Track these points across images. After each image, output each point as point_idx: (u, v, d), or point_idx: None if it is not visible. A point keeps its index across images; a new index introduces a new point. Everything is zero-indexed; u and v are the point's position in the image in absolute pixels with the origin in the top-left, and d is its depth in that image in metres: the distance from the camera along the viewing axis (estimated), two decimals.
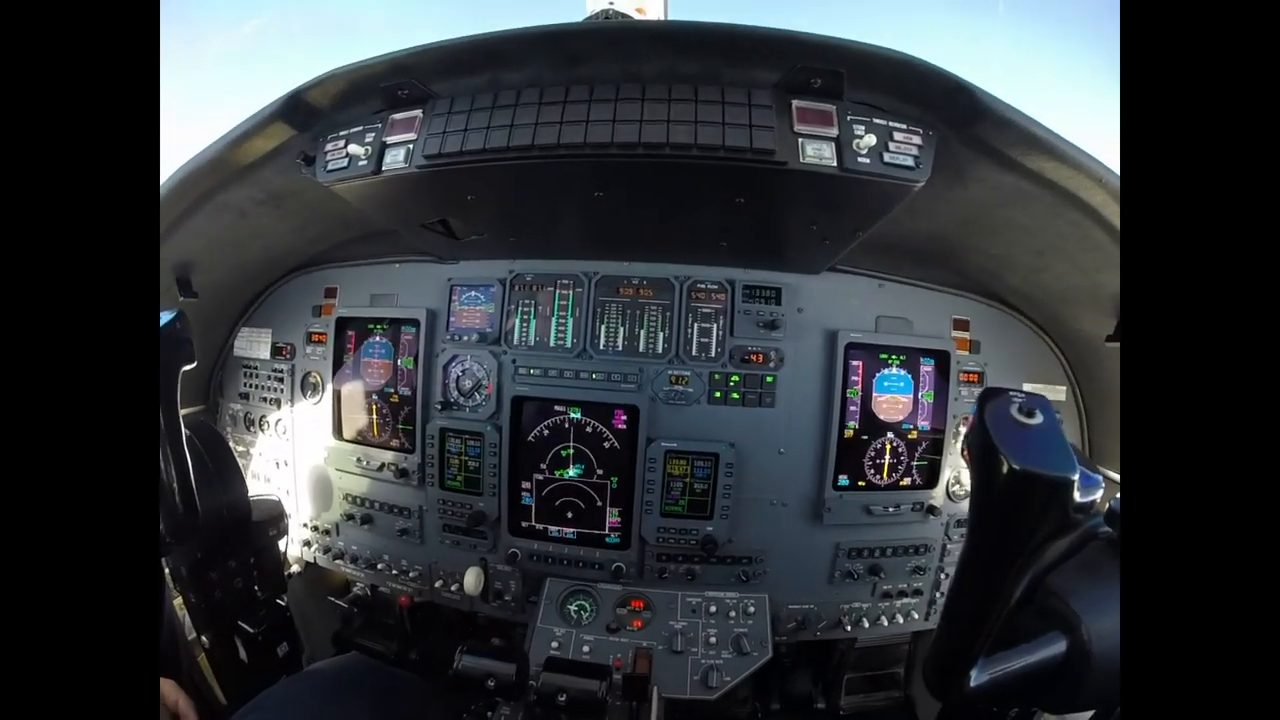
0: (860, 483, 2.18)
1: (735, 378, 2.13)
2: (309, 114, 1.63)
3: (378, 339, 2.41)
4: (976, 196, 1.70)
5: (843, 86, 1.39)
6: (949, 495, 2.26)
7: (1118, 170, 1.43)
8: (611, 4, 2.13)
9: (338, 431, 2.49)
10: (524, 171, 1.49)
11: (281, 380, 2.62)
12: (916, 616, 2.34)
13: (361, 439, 2.46)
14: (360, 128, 1.63)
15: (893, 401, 2.19)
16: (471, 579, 2.23)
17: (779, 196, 1.57)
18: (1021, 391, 0.91)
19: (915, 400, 2.21)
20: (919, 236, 2.03)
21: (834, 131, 1.40)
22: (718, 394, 2.14)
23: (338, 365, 2.47)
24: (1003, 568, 0.93)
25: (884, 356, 2.18)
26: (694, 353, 2.14)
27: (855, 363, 2.14)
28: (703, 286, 2.15)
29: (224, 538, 2.01)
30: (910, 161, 1.42)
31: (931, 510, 2.22)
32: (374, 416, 2.43)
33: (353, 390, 2.46)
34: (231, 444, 2.09)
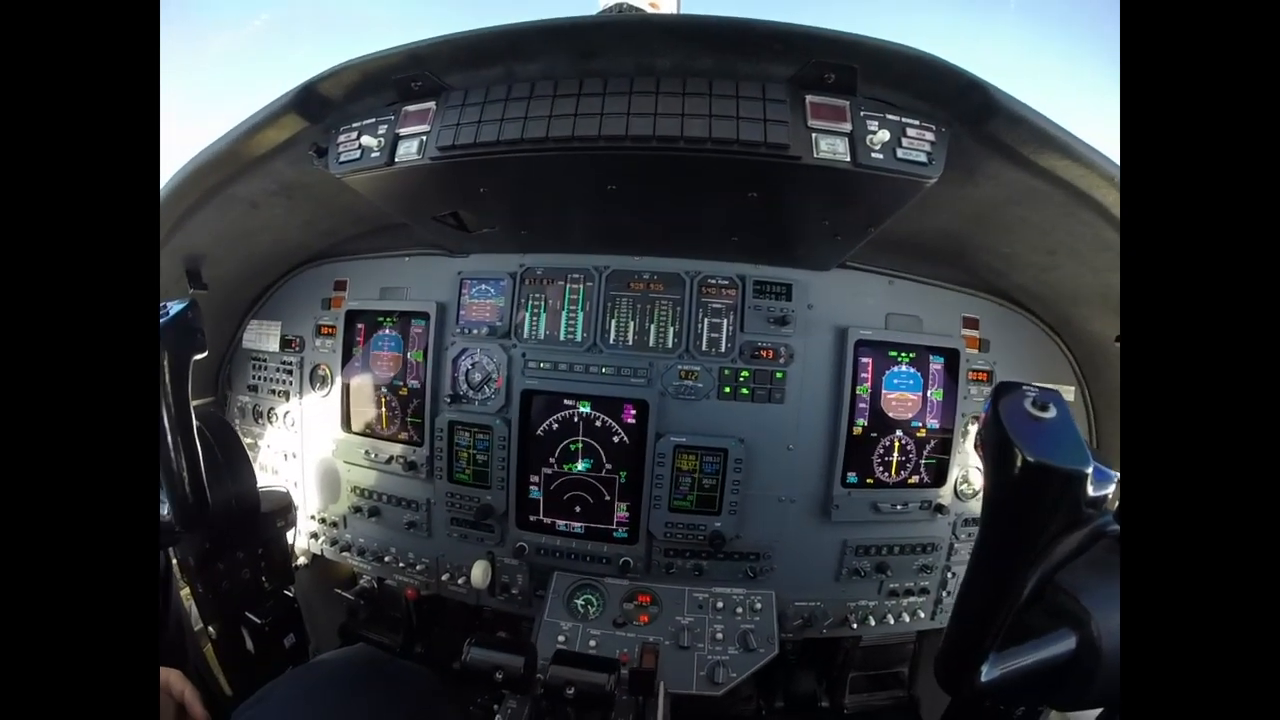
0: (869, 480, 2.18)
1: (745, 373, 2.13)
2: (322, 105, 1.63)
3: (387, 332, 2.42)
4: (988, 194, 1.70)
5: (856, 82, 1.38)
6: (957, 494, 2.26)
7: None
8: None
9: (346, 424, 2.49)
10: (537, 164, 1.48)
11: (290, 373, 2.63)
12: (923, 615, 2.33)
13: (370, 432, 2.46)
14: (373, 119, 1.62)
15: (902, 399, 2.18)
16: (479, 572, 2.24)
17: (792, 191, 1.57)
18: (1035, 385, 0.91)
19: (924, 398, 2.20)
20: (930, 234, 2.03)
21: (847, 127, 1.40)
22: (727, 389, 2.13)
23: (347, 358, 2.47)
24: (1015, 562, 0.93)
25: (893, 354, 2.17)
26: (704, 348, 2.14)
27: (865, 360, 2.14)
28: (713, 282, 2.15)
29: (232, 528, 2.01)
30: (923, 158, 1.42)
31: (939, 509, 2.22)
32: (383, 409, 2.43)
33: (362, 383, 2.47)
34: (243, 440, 2.09)
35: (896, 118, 1.42)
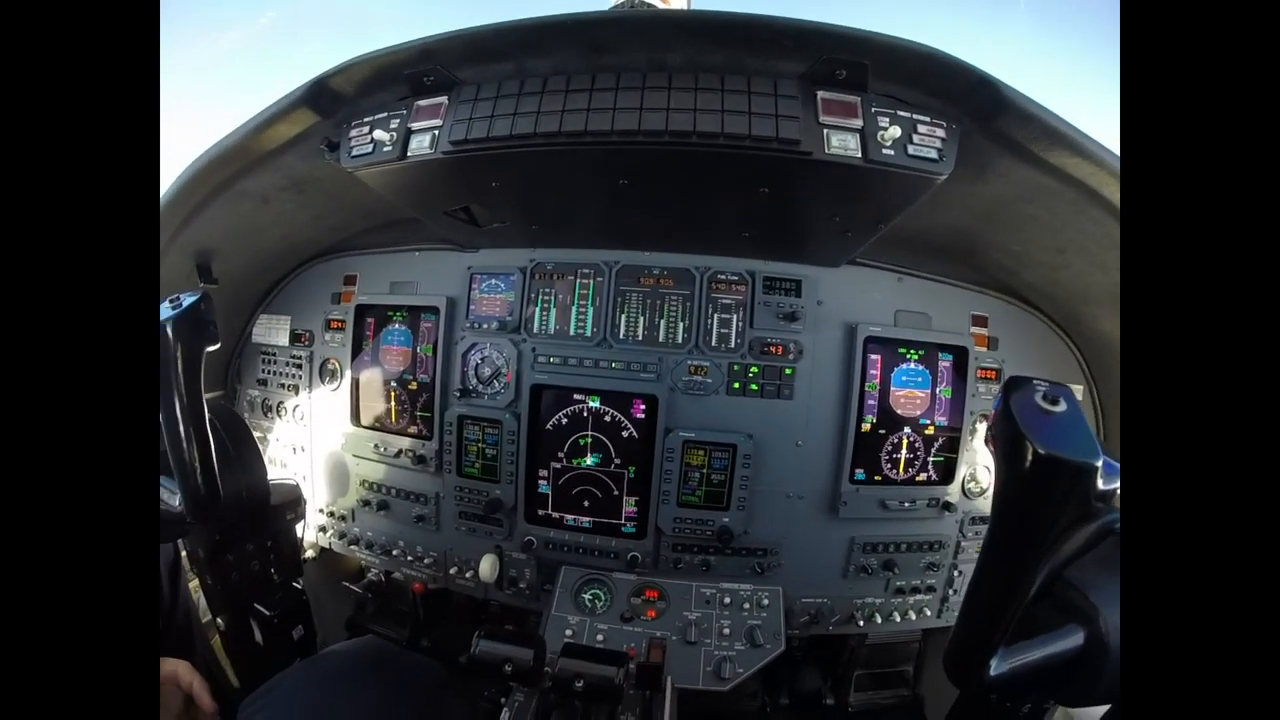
0: (877, 477, 2.18)
1: (754, 369, 2.13)
2: (333, 100, 1.64)
3: (397, 326, 2.43)
4: (998, 192, 1.70)
5: (868, 79, 1.39)
6: (965, 493, 2.25)
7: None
8: None
9: (355, 418, 2.51)
10: (549, 158, 1.49)
11: (300, 367, 2.65)
12: (929, 614, 2.33)
13: (379, 425, 2.47)
14: (385, 114, 1.63)
15: (910, 396, 2.18)
16: (487, 566, 2.24)
17: (803, 187, 1.57)
18: (1045, 380, 0.91)
19: (933, 396, 2.20)
20: (939, 231, 2.02)
21: (858, 123, 1.40)
22: (736, 385, 2.14)
23: (356, 352, 2.48)
24: (1025, 556, 0.94)
25: (902, 351, 2.17)
26: (713, 343, 2.14)
27: (874, 356, 2.14)
28: (723, 277, 2.15)
29: (242, 520, 2.02)
30: (934, 154, 1.42)
31: (947, 506, 2.21)
32: (392, 403, 2.44)
33: (371, 377, 2.48)
34: (253, 433, 2.11)
35: (908, 114, 1.42)
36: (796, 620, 2.24)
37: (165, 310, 1.40)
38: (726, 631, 2.02)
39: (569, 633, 2.02)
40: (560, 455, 2.22)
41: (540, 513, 2.26)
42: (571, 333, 2.20)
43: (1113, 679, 0.90)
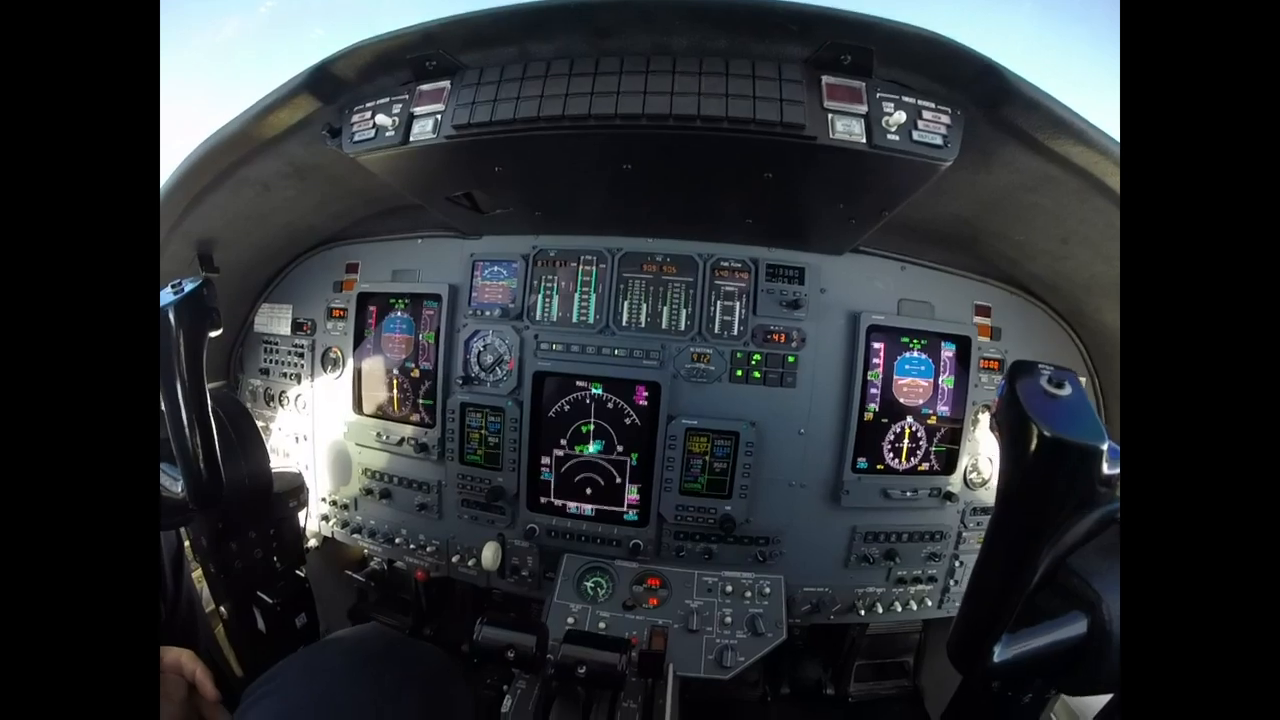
0: (879, 466, 2.18)
1: (757, 356, 2.13)
2: (335, 86, 1.63)
3: (399, 314, 2.43)
4: (1002, 180, 1.69)
5: (873, 64, 1.38)
6: (966, 483, 2.25)
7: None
8: None
9: (358, 406, 2.51)
10: (552, 143, 1.48)
11: (302, 356, 2.65)
12: (930, 604, 2.33)
13: (381, 414, 2.47)
14: (387, 99, 1.62)
15: (913, 385, 2.18)
16: (489, 554, 2.25)
17: (807, 173, 1.56)
18: (1050, 365, 0.91)
19: (935, 385, 2.20)
20: (943, 220, 2.02)
21: (863, 109, 1.39)
22: (739, 372, 2.13)
23: (358, 340, 2.48)
24: (1030, 542, 0.93)
25: (905, 340, 2.17)
26: (716, 330, 2.14)
27: (877, 345, 2.13)
28: (726, 264, 2.14)
29: (245, 508, 2.03)
30: (939, 140, 1.41)
31: (949, 496, 2.21)
32: (394, 391, 2.44)
33: (373, 365, 2.48)
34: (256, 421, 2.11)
35: (913, 100, 1.41)
36: (798, 609, 2.24)
37: (166, 295, 1.39)
38: (728, 620, 2.02)
39: (571, 620, 2.02)
40: (563, 442, 2.21)
41: (543, 500, 2.26)
42: (574, 319, 2.19)
43: (1116, 667, 0.89)
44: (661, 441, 2.13)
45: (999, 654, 0.96)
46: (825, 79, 1.39)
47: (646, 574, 2.17)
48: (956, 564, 2.31)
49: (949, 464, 2.23)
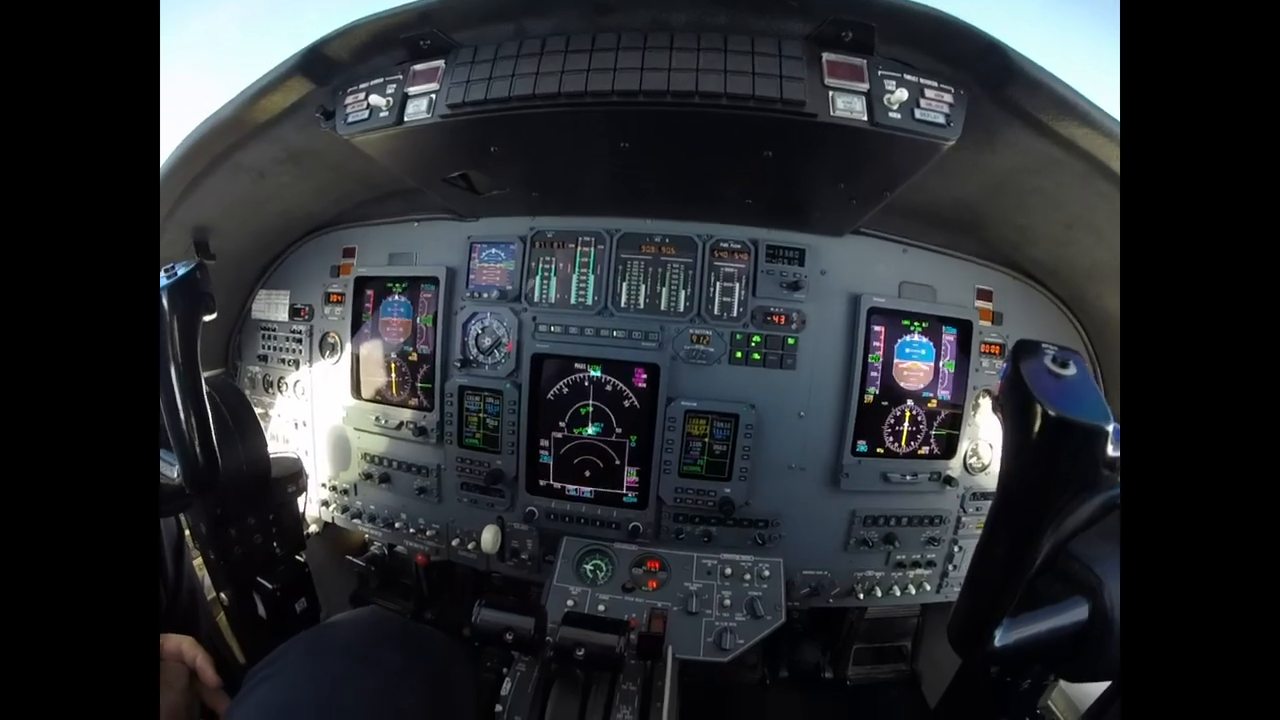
0: (879, 449, 2.17)
1: (756, 338, 2.11)
2: (328, 67, 1.61)
3: (396, 298, 2.41)
4: (1006, 163, 1.67)
5: (874, 41, 1.36)
6: (966, 468, 2.25)
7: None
8: None
9: (356, 391, 2.50)
10: (548, 121, 1.46)
11: (300, 341, 2.63)
12: (928, 589, 2.33)
13: (380, 398, 2.47)
14: (381, 79, 1.60)
15: (914, 369, 2.17)
16: (489, 537, 2.25)
17: (807, 151, 1.54)
18: (1053, 344, 0.90)
19: (936, 369, 2.19)
20: (946, 203, 2.00)
21: (865, 86, 1.37)
22: (739, 354, 2.12)
23: (356, 325, 2.47)
24: (1032, 525, 0.92)
25: (906, 323, 2.15)
26: (715, 312, 2.12)
27: (877, 328, 2.12)
28: (725, 245, 2.12)
29: (243, 494, 2.02)
30: (941, 119, 1.39)
31: (949, 481, 2.21)
32: (393, 375, 2.44)
33: (371, 349, 2.47)
34: (251, 402, 2.10)
35: (915, 78, 1.39)
36: (797, 592, 2.25)
37: (160, 280, 1.38)
38: (727, 603, 2.02)
39: (571, 603, 2.03)
40: (561, 425, 2.21)
41: (541, 483, 2.26)
42: (572, 301, 2.18)
43: (1117, 654, 0.89)
44: (660, 423, 2.12)
45: (1000, 639, 0.94)
46: (826, 56, 1.37)
47: (646, 557, 2.17)
48: (955, 549, 2.31)
49: (949, 448, 2.22)
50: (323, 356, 2.58)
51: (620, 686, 1.65)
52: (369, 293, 2.46)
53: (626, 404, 2.16)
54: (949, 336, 2.19)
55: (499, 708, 1.60)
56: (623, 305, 2.15)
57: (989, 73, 1.37)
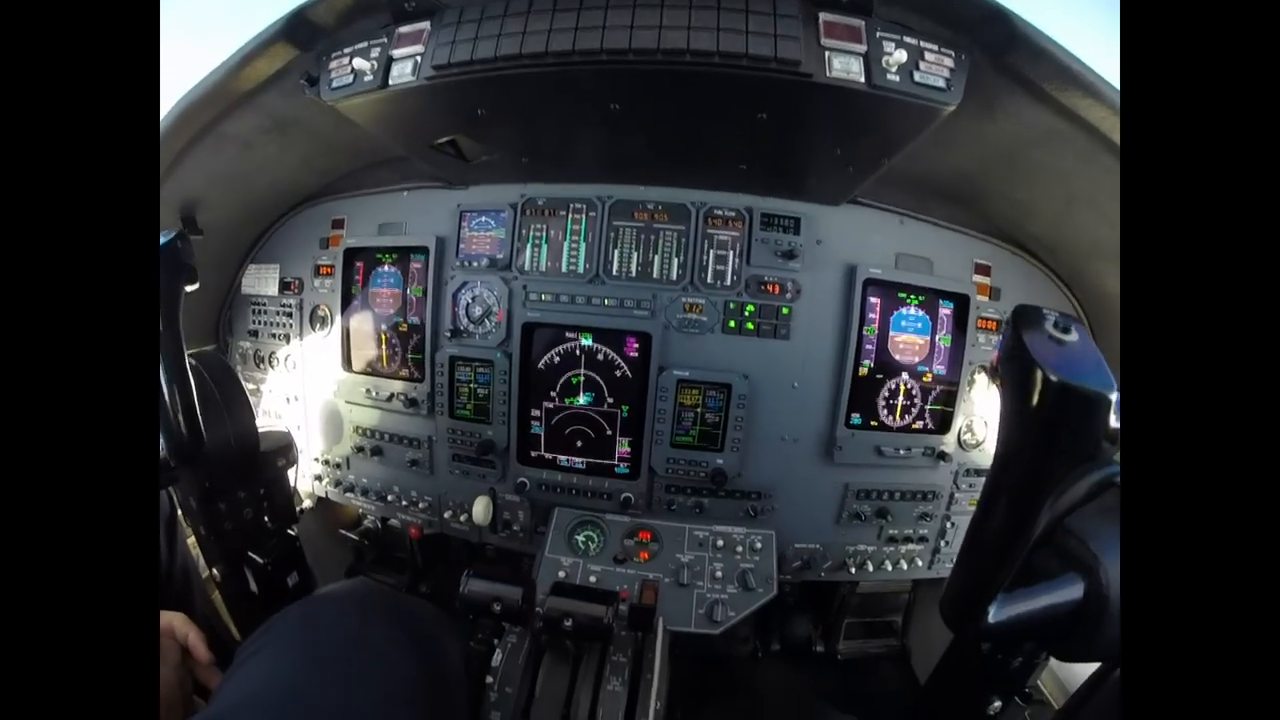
0: (873, 423, 2.15)
1: (750, 307, 2.08)
2: (312, 32, 1.58)
3: (386, 268, 2.38)
4: (1007, 133, 1.64)
5: (873, 2, 1.33)
6: (960, 444, 2.23)
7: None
8: None
9: (347, 363, 2.48)
10: (536, 82, 1.43)
11: (290, 315, 2.60)
12: (920, 564, 2.34)
13: (371, 370, 2.45)
14: (366, 43, 1.57)
15: (909, 342, 2.14)
16: (480, 508, 2.24)
17: (803, 114, 1.51)
18: (1054, 310, 0.88)
19: (932, 343, 2.16)
20: (944, 173, 1.97)
21: (862, 48, 1.34)
22: (732, 324, 2.09)
23: (346, 297, 2.44)
24: (1030, 496, 0.90)
25: (902, 295, 2.12)
26: (709, 280, 2.08)
27: (873, 299, 2.09)
28: (719, 213, 2.08)
29: (231, 467, 2.01)
30: (941, 83, 1.37)
31: (942, 456, 2.19)
32: (383, 347, 2.41)
33: (362, 321, 2.44)
34: (243, 381, 2.08)
35: (915, 41, 1.36)
36: (789, 565, 2.25)
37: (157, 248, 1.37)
38: (719, 575, 2.03)
39: (562, 574, 2.03)
40: (552, 395, 2.19)
41: (533, 454, 2.25)
42: (564, 269, 2.14)
43: (1112, 634, 0.86)
44: (652, 393, 2.10)
45: (994, 614, 0.91)
46: (823, 16, 1.34)
47: (637, 528, 2.17)
48: (948, 525, 2.31)
49: (944, 424, 2.20)
50: (313, 330, 2.55)
51: (611, 658, 1.66)
52: (358, 264, 2.43)
53: (618, 373, 2.13)
54: (945, 310, 2.17)
55: (490, 679, 1.60)
56: (614, 273, 2.11)
57: (991, 38, 1.34)
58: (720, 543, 2.12)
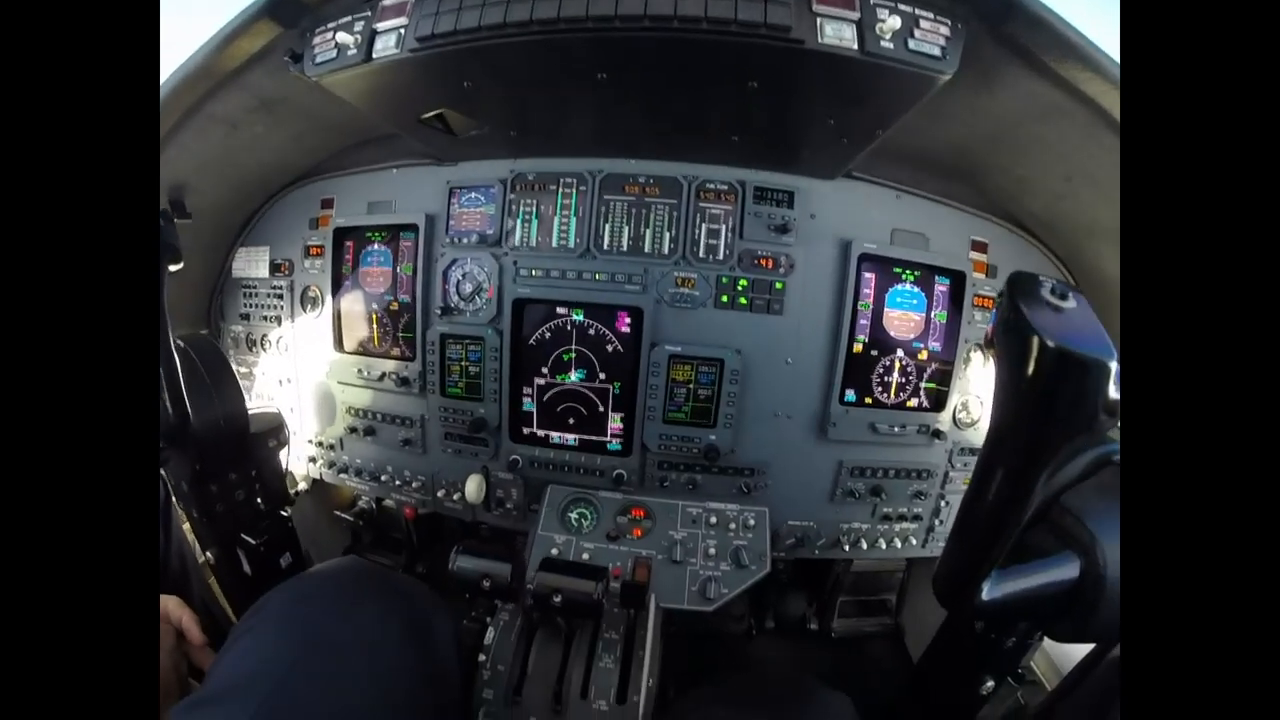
0: (867, 399, 2.14)
1: (743, 282, 2.06)
2: (296, 9, 1.55)
3: (376, 247, 2.36)
4: (1004, 107, 1.61)
5: None
6: (955, 422, 2.22)
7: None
8: None
9: (338, 344, 2.46)
10: (522, 51, 1.40)
11: (281, 297, 2.58)
12: (914, 543, 2.33)
13: (362, 350, 2.43)
14: (349, 17, 1.54)
15: (904, 319, 2.12)
16: (473, 487, 2.23)
17: (795, 82, 1.48)
18: (1050, 277, 0.86)
19: (927, 320, 2.14)
20: (941, 147, 1.94)
21: (855, 15, 1.31)
22: (725, 298, 2.07)
23: (336, 277, 2.42)
24: (1026, 470, 0.89)
25: (898, 271, 2.10)
26: (701, 254, 2.06)
27: (868, 275, 2.06)
28: (712, 187, 2.05)
29: (221, 449, 2.00)
30: (937, 51, 1.34)
31: (937, 434, 2.18)
32: (374, 326, 2.39)
33: (352, 301, 2.42)
34: (234, 365, 2.07)
35: (909, 8, 1.33)
36: (783, 543, 2.25)
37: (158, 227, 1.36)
38: (712, 552, 2.02)
39: (555, 551, 2.02)
40: (544, 371, 2.17)
41: (525, 431, 2.24)
42: (554, 244, 2.12)
43: (1108, 615, 0.85)
44: (644, 369, 2.08)
45: (988, 591, 0.90)
46: None
47: (630, 505, 2.16)
48: (942, 503, 2.30)
49: (938, 402, 2.19)
50: (304, 311, 2.54)
51: (603, 635, 1.66)
52: (348, 244, 2.40)
53: (610, 349, 2.11)
54: (941, 287, 2.15)
55: (482, 656, 1.60)
56: (605, 248, 2.08)
57: (988, 6, 1.30)
58: (713, 519, 2.12)
